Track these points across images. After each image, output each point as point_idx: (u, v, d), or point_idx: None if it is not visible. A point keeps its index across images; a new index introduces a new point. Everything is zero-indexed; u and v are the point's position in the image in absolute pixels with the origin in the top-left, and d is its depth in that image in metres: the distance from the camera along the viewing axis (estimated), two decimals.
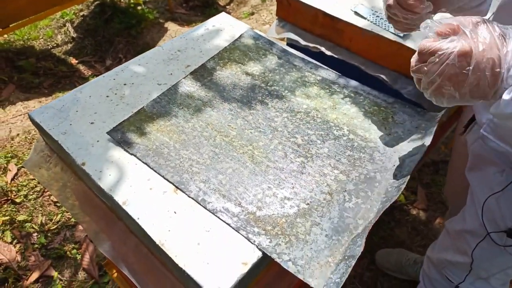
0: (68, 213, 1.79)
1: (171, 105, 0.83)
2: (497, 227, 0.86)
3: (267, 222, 0.65)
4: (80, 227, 1.74)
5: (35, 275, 1.57)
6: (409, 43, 1.03)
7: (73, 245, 1.68)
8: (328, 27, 1.16)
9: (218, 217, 0.66)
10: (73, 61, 2.73)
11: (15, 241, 1.67)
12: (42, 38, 2.86)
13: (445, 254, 1.10)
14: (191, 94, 0.85)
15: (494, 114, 0.57)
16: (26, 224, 1.73)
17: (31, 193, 1.84)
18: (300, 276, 0.60)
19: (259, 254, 0.62)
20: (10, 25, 2.25)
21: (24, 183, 1.86)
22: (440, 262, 1.12)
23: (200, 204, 0.67)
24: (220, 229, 0.65)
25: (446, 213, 1.43)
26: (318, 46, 1.19)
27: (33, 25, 2.80)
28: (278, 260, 0.61)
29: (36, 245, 1.66)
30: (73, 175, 0.82)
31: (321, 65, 0.94)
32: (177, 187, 0.70)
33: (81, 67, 2.69)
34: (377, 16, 1.10)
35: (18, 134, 2.10)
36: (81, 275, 1.60)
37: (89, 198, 0.79)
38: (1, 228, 1.70)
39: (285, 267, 0.61)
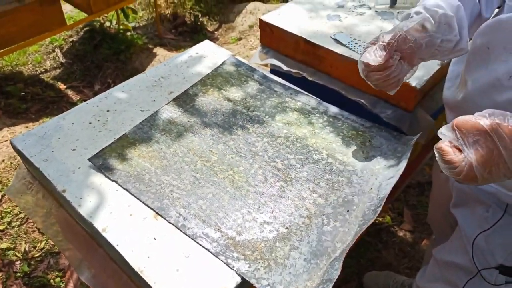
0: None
1: (153, 131, 0.84)
2: (487, 264, 0.87)
3: (247, 247, 0.66)
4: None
5: None
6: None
7: (57, 273, 1.65)
8: (309, 53, 1.19)
9: (198, 243, 0.66)
10: (62, 86, 2.74)
11: None
12: (30, 63, 2.88)
13: (435, 285, 1.10)
14: (173, 120, 0.87)
15: None
16: (9, 251, 1.70)
17: (15, 220, 1.81)
18: None
19: (238, 279, 0.62)
20: (0, 51, 2.27)
21: (8, 210, 1.84)
22: None
23: (180, 230, 0.68)
24: (200, 255, 0.65)
25: (431, 237, 1.44)
26: (300, 72, 1.22)
27: (21, 51, 2.82)
28: (257, 286, 0.61)
29: (19, 274, 1.63)
30: (54, 202, 0.82)
31: (301, 90, 0.97)
32: (157, 213, 0.70)
33: (70, 92, 2.70)
34: (355, 43, 1.13)
35: (3, 160, 2.09)
36: None
37: (71, 225, 0.79)
38: None
39: None
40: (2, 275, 1.62)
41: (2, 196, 1.89)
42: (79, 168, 0.76)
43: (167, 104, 0.90)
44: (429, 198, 1.35)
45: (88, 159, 0.77)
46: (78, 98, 2.66)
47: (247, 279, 0.62)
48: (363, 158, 0.81)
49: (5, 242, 1.73)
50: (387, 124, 1.05)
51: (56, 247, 1.74)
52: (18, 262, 1.67)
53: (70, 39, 3.09)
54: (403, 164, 0.78)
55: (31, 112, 2.49)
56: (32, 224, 1.81)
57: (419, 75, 1.05)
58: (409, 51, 0.74)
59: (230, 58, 1.03)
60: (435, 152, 0.60)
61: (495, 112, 0.55)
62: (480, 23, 0.83)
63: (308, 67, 1.22)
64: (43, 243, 1.74)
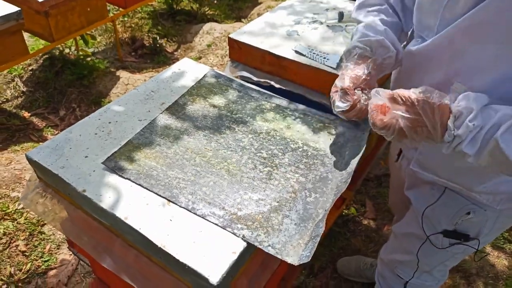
0: (38, 261, 1.79)
1: (153, 136, 0.97)
2: (434, 230, 1.07)
3: (247, 219, 0.81)
4: (52, 272, 1.76)
5: None
6: None
7: None
8: (275, 64, 1.37)
9: (207, 220, 0.80)
10: (26, 114, 2.75)
11: None
12: None
13: (395, 255, 1.29)
14: (169, 126, 1.01)
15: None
16: None
17: None
18: (279, 256, 0.75)
19: (244, 244, 0.77)
20: None
21: None
22: (391, 262, 1.31)
23: (191, 212, 0.82)
24: (210, 229, 0.79)
25: (393, 219, 1.66)
26: (268, 81, 1.39)
27: None
28: (260, 246, 0.76)
29: None
30: (70, 205, 0.92)
31: (274, 94, 1.14)
32: (169, 200, 0.83)
33: (35, 120, 2.72)
34: (314, 53, 1.33)
35: None
36: None
37: (88, 223, 0.90)
38: None
39: (266, 251, 0.76)
40: None
41: None
42: (94, 171, 0.88)
43: (161, 113, 1.04)
44: (389, 185, 1.56)
45: (101, 163, 0.89)
46: (44, 125, 2.68)
47: (251, 242, 0.77)
48: (331, 144, 0.99)
49: None
50: None
51: (42, 266, 1.77)
52: (4, 286, 1.69)
53: (30, 68, 3.10)
54: (363, 145, 0.97)
55: None
56: (15, 248, 1.84)
57: None
58: (365, 83, 0.90)
59: (210, 71, 1.19)
60: (371, 110, 0.79)
61: (427, 89, 0.74)
62: (405, 36, 1.05)
63: (275, 76, 1.40)
64: (28, 265, 1.77)
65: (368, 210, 2.20)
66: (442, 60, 0.83)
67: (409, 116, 0.74)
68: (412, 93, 0.75)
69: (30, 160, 0.92)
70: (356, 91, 0.89)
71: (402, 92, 0.76)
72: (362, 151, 0.96)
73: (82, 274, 1.76)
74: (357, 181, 1.74)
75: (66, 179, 0.86)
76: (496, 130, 0.69)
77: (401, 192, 1.36)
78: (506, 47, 0.72)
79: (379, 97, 0.78)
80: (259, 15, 3.82)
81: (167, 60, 3.35)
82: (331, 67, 1.28)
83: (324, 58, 1.31)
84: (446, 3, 0.78)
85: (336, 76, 1.26)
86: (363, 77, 0.90)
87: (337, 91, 0.90)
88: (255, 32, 1.46)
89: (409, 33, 1.05)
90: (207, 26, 3.66)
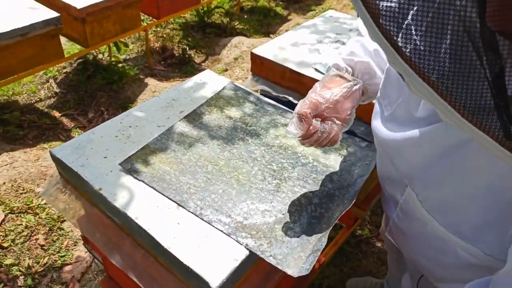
0: (55, 256, 1.86)
1: (169, 142, 1.02)
2: None
3: (252, 228, 0.83)
4: (67, 268, 1.82)
5: None
6: None
7: (59, 286, 1.75)
8: (294, 81, 1.41)
9: (213, 226, 0.83)
10: (57, 114, 2.88)
11: (1, 284, 1.72)
12: (25, 93, 3.01)
13: None
14: (185, 133, 1.05)
15: None
16: (13, 267, 1.79)
17: (18, 237, 1.91)
18: (279, 267, 0.77)
19: (247, 252, 0.79)
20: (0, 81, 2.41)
21: (12, 228, 1.94)
22: None
23: (198, 217, 0.85)
24: (215, 235, 0.82)
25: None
26: (287, 96, 1.43)
27: (16, 82, 2.96)
28: (262, 256, 0.78)
29: None
30: (86, 202, 0.97)
31: (289, 110, 1.17)
32: (179, 204, 0.87)
33: (64, 120, 2.84)
34: None
35: (4, 183, 2.19)
36: None
37: (101, 220, 0.94)
38: None
39: (267, 260, 0.78)
40: None
41: (5, 215, 1.99)
42: (111, 171, 0.93)
43: (179, 120, 1.08)
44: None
45: (119, 164, 0.94)
46: (73, 125, 2.80)
47: (253, 251, 0.79)
48: (341, 162, 1.01)
49: (9, 258, 1.82)
50: (360, 137, 1.26)
51: (58, 261, 1.84)
52: (22, 277, 1.76)
53: (64, 70, 3.25)
54: (373, 165, 0.98)
55: (28, 138, 2.61)
56: (34, 241, 1.92)
57: None
58: (330, 108, 0.77)
59: (229, 84, 1.23)
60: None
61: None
62: None
63: (294, 92, 1.43)
64: (46, 259, 1.84)
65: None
66: (392, 158, 0.78)
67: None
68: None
69: (53, 157, 0.97)
70: (314, 120, 0.76)
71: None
72: (371, 170, 0.97)
73: (95, 272, 1.82)
74: (371, 201, 1.74)
75: (85, 177, 0.91)
76: None
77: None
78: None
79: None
80: (287, 31, 3.88)
81: (194, 70, 3.45)
82: None
83: None
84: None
85: None
86: (326, 104, 0.77)
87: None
88: (277, 48, 1.50)
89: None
90: (235, 40, 3.74)
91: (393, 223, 0.89)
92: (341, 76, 0.81)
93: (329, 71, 0.83)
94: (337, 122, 0.79)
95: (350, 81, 0.80)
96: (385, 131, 0.77)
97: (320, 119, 0.78)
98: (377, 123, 0.81)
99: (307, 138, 0.77)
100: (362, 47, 0.83)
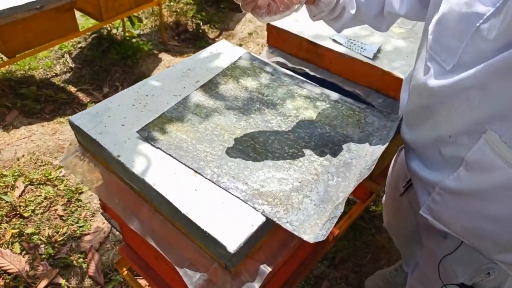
0: (74, 226, 1.91)
1: (186, 111, 1.01)
2: (450, 281, 1.00)
3: (269, 196, 0.83)
4: (86, 238, 1.87)
5: (43, 283, 1.68)
6: (378, 63, 1.26)
7: (79, 255, 1.80)
8: (311, 52, 1.38)
9: (230, 193, 0.84)
10: (72, 89, 2.90)
11: (23, 252, 1.79)
12: (41, 68, 3.03)
13: None
14: (201, 103, 1.04)
15: None
16: (34, 236, 1.84)
17: (38, 208, 1.96)
18: (296, 233, 0.77)
19: (263, 218, 0.80)
20: (16, 55, 2.43)
21: (32, 199, 1.99)
22: None
23: (215, 184, 0.85)
24: (232, 201, 0.83)
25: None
26: (303, 68, 1.41)
27: (33, 56, 2.98)
28: (278, 222, 0.79)
29: (44, 256, 1.78)
30: (105, 169, 0.99)
31: (306, 80, 1.15)
32: (196, 171, 0.87)
33: (80, 95, 2.86)
34: (351, 43, 1.33)
35: (23, 155, 2.24)
36: (87, 282, 1.72)
37: (120, 187, 0.95)
38: (10, 240, 1.81)
39: (284, 227, 0.78)
40: (29, 257, 1.76)
41: (25, 186, 2.04)
42: (129, 139, 0.94)
43: (195, 90, 1.08)
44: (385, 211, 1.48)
45: (136, 131, 0.94)
46: (88, 100, 2.82)
47: (270, 218, 0.79)
48: (359, 132, 1.00)
49: (30, 227, 1.88)
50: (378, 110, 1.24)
51: (77, 231, 1.89)
52: (42, 246, 1.82)
53: (79, 45, 3.26)
54: (391, 135, 0.96)
55: (45, 113, 2.64)
56: (54, 212, 1.97)
57: (406, 68, 1.24)
58: None
59: (245, 53, 1.22)
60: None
61: None
62: (382, 18, 0.93)
63: (310, 63, 1.41)
64: (65, 229, 1.89)
65: None
66: (471, 102, 0.70)
67: None
68: None
69: (72, 125, 0.98)
70: None
71: None
72: (389, 140, 0.96)
73: (113, 242, 1.86)
74: (387, 176, 1.72)
75: (103, 144, 0.92)
76: None
77: (405, 226, 1.30)
78: None
79: None
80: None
81: (208, 45, 3.39)
82: (367, 57, 1.28)
83: (362, 48, 1.30)
84: (479, 25, 0.65)
85: (373, 67, 1.25)
86: None
87: None
88: (294, 19, 1.47)
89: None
90: (250, 14, 3.68)
91: (440, 194, 0.84)
92: None
93: None
94: None
95: None
96: (451, 84, 0.72)
97: None
98: (436, 83, 0.76)
99: None
100: None
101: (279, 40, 1.46)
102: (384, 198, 1.47)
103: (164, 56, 3.21)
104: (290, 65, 1.42)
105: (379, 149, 0.93)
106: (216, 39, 3.55)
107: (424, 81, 0.79)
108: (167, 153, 0.91)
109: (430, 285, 1.10)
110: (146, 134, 0.94)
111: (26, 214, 1.92)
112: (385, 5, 0.90)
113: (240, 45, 3.40)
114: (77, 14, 2.79)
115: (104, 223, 1.92)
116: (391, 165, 1.31)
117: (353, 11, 0.89)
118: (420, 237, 1.17)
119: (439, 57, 0.75)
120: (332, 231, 1.35)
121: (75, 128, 0.98)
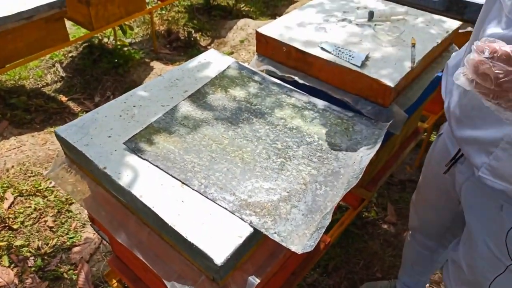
0: (64, 237, 1.89)
1: (174, 121, 1.01)
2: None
3: (256, 206, 0.83)
4: (76, 249, 1.85)
5: None
6: (366, 71, 1.26)
7: (69, 267, 1.78)
8: (300, 60, 1.38)
9: (218, 204, 0.83)
10: (63, 98, 2.89)
11: (12, 265, 1.76)
12: (32, 77, 3.02)
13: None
14: (189, 113, 1.04)
15: None
16: (23, 248, 1.82)
17: (28, 219, 1.94)
18: (283, 244, 0.77)
19: (251, 229, 0.79)
20: (6, 65, 2.41)
21: (21, 211, 1.96)
22: None
23: (203, 195, 0.85)
24: (220, 212, 0.82)
25: (416, 235, 1.46)
26: (292, 76, 1.41)
27: (23, 66, 2.96)
28: (266, 233, 0.78)
29: (33, 268, 1.75)
30: (92, 181, 0.98)
31: (295, 89, 1.15)
32: (183, 182, 0.87)
33: (71, 104, 2.85)
34: (339, 51, 1.33)
35: (12, 166, 2.22)
36: None
37: (107, 199, 0.94)
38: None
39: (271, 237, 0.78)
40: (17, 270, 1.74)
41: (15, 198, 2.02)
42: (115, 150, 0.93)
43: (183, 100, 1.08)
44: (416, 197, 1.35)
45: (123, 143, 0.94)
46: (79, 109, 2.80)
47: (258, 229, 0.79)
48: (347, 140, 1.00)
49: (19, 239, 1.85)
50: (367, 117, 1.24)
51: (67, 242, 1.87)
52: (32, 258, 1.79)
53: (70, 55, 3.25)
54: (379, 143, 0.96)
55: (35, 123, 2.62)
56: (43, 223, 1.94)
57: (394, 76, 1.25)
58: None
59: (234, 63, 1.22)
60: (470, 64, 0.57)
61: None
62: None
63: (299, 71, 1.41)
64: (54, 240, 1.87)
65: (389, 214, 2.17)
66: None
67: None
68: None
69: (58, 137, 0.97)
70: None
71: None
72: (377, 148, 0.96)
73: (104, 253, 1.84)
74: (378, 183, 1.72)
75: (89, 156, 0.91)
76: None
77: (443, 212, 1.20)
78: None
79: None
80: None
81: (199, 53, 3.40)
82: (355, 65, 1.28)
83: (350, 56, 1.31)
84: None
85: (361, 74, 1.26)
86: None
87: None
88: (283, 27, 1.47)
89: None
90: (241, 22, 3.70)
91: (505, 150, 0.79)
92: None
93: None
94: None
95: None
96: None
97: None
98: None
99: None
100: None
101: (268, 49, 1.46)
102: (414, 196, 1.37)
103: (155, 64, 3.20)
104: (279, 73, 1.42)
105: (367, 158, 0.93)
106: (208, 47, 3.55)
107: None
108: (154, 164, 0.90)
109: (482, 276, 0.98)
110: (133, 145, 0.94)
111: (15, 226, 1.89)
112: None
113: (232, 52, 3.40)
114: (68, 23, 2.78)
115: (94, 234, 1.90)
116: (429, 153, 1.21)
117: None
118: (458, 225, 1.11)
119: None
120: (324, 239, 1.35)
121: (61, 140, 0.97)
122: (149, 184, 0.86)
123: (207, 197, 0.84)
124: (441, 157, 1.11)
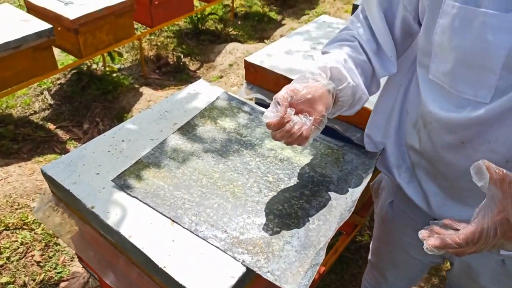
0: (51, 272, 1.83)
1: (163, 156, 1.00)
2: None
3: (249, 244, 0.81)
4: (63, 284, 1.79)
5: None
6: None
7: None
8: None
9: (209, 242, 0.81)
10: (51, 126, 2.86)
11: None
12: (19, 106, 2.99)
13: None
14: (179, 146, 1.03)
15: None
16: (9, 285, 1.76)
17: (14, 254, 1.88)
18: (277, 284, 0.75)
19: (244, 269, 0.77)
20: None
21: (7, 245, 1.91)
22: None
23: (193, 233, 0.83)
24: (211, 252, 0.80)
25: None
26: None
27: (10, 95, 2.94)
28: (259, 272, 0.76)
29: None
30: (79, 220, 0.95)
31: None
32: (173, 220, 0.85)
33: (59, 132, 2.82)
34: None
35: None
36: None
37: (95, 238, 0.92)
38: None
39: (265, 277, 0.76)
40: None
41: (0, 232, 1.96)
42: (103, 188, 0.91)
43: (173, 133, 1.07)
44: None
45: (111, 180, 0.92)
46: (68, 137, 2.77)
47: (251, 268, 0.77)
48: (338, 171, 0.99)
49: (4, 276, 1.79)
50: (357, 145, 1.24)
51: (55, 278, 1.81)
52: None
53: (58, 82, 3.23)
54: (370, 174, 0.96)
55: (23, 152, 2.59)
56: (30, 258, 1.89)
57: None
58: (304, 104, 0.78)
59: (223, 94, 1.22)
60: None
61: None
62: (377, 84, 0.94)
63: None
64: (42, 275, 1.81)
65: None
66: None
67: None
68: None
69: (44, 175, 0.95)
70: (289, 109, 0.76)
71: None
72: (368, 179, 0.95)
73: None
74: (370, 208, 1.72)
75: (77, 195, 0.89)
76: None
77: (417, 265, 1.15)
78: None
79: None
80: (281, 36, 3.88)
81: (189, 78, 3.43)
82: None
83: None
84: (507, 55, 0.64)
85: None
86: (303, 92, 0.77)
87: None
88: (270, 56, 1.48)
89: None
90: (230, 46, 3.74)
91: None
92: (316, 80, 0.81)
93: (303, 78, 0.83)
94: (310, 117, 0.78)
95: (324, 83, 0.81)
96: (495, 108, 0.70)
97: (294, 110, 0.78)
98: (476, 114, 0.73)
99: (279, 128, 0.75)
100: (333, 58, 0.85)
101: (257, 77, 1.47)
102: (373, 258, 1.33)
103: (145, 90, 3.20)
104: (268, 101, 1.43)
105: (359, 189, 0.93)
106: (197, 71, 3.57)
107: (456, 117, 0.76)
108: (143, 202, 0.88)
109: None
110: (122, 182, 0.92)
111: (0, 262, 1.83)
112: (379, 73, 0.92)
113: (221, 76, 3.42)
114: (56, 50, 2.78)
115: (83, 267, 1.85)
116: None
117: (367, 95, 0.90)
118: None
119: (470, 95, 0.73)
120: (318, 269, 1.32)
121: (47, 178, 0.95)
122: (138, 223, 0.84)
123: (198, 235, 0.82)
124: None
